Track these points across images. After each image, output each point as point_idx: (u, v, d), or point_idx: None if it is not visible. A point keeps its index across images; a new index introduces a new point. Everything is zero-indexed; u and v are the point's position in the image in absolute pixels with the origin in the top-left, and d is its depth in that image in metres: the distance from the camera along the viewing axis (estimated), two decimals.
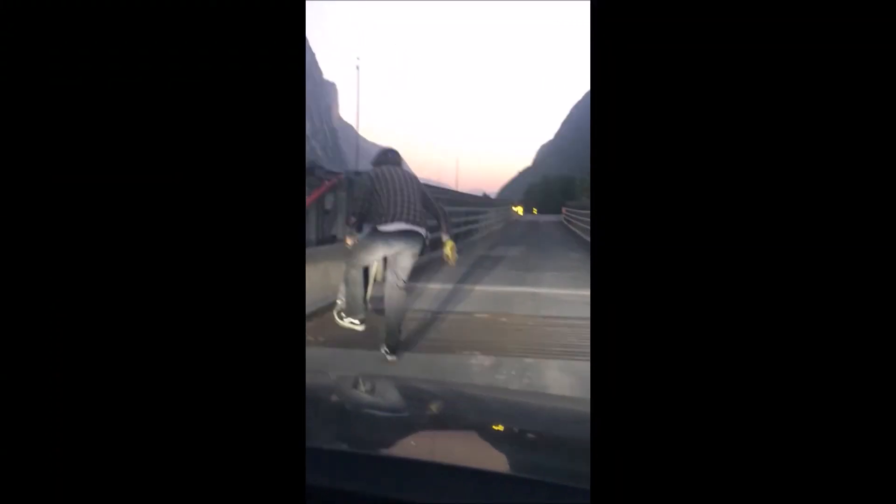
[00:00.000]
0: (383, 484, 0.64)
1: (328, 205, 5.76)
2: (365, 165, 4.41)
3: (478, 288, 5.80)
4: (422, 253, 3.32)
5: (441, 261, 3.62)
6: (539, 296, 5.48)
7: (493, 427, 1.04)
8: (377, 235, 3.17)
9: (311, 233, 5.47)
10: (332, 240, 5.58)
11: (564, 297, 5.29)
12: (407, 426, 1.01)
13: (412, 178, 3.32)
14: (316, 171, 5.60)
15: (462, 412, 1.15)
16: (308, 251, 4.53)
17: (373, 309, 3.54)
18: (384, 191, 3.19)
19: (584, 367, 2.90)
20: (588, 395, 0.65)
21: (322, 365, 3.10)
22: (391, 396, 1.24)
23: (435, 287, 5.68)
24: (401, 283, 3.24)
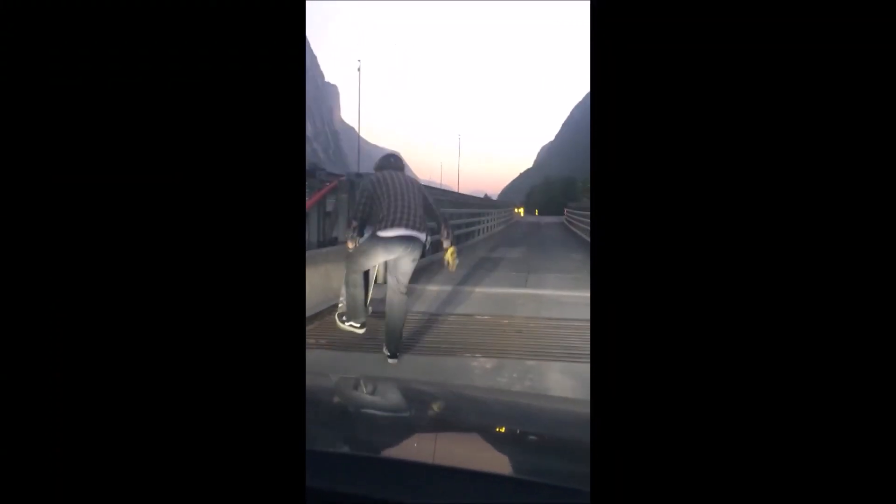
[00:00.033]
0: (384, 486, 0.64)
1: (329, 207, 5.77)
2: (366, 167, 4.42)
3: (479, 290, 5.79)
4: (423, 256, 3.32)
5: (442, 263, 3.62)
6: (541, 297, 5.47)
7: (495, 429, 1.04)
8: (377, 240, 3.17)
9: (312, 235, 5.47)
10: (334, 242, 5.59)
11: (566, 299, 5.28)
12: (408, 428, 1.01)
13: (413, 183, 3.33)
14: (317, 174, 5.61)
15: (463, 414, 1.14)
16: (309, 253, 4.54)
17: (373, 312, 3.54)
18: (385, 195, 3.19)
19: (587, 369, 2.89)
20: (589, 397, 0.64)
21: (323, 367, 3.10)
22: (392, 399, 1.24)
23: (436, 289, 5.67)
24: (402, 289, 3.25)
